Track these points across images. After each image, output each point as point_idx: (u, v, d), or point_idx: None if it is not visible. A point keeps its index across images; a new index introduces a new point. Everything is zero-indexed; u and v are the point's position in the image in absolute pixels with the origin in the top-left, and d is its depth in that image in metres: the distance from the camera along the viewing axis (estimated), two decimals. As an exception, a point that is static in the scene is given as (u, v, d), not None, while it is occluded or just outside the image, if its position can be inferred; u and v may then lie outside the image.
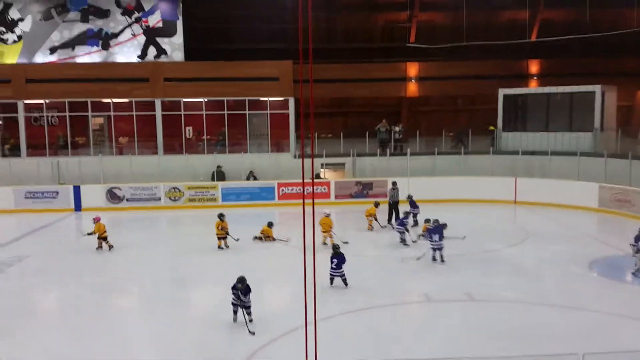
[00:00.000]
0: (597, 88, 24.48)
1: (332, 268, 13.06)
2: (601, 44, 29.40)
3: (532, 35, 30.68)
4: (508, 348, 9.67)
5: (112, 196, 24.11)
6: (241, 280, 10.93)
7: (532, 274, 14.54)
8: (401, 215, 18.01)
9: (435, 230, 15.08)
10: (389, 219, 19.94)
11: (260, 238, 17.87)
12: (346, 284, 13.06)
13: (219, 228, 17.00)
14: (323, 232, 16.69)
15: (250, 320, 10.85)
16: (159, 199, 24.14)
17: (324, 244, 16.41)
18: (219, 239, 17.04)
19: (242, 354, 9.70)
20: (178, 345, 10.36)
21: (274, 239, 17.76)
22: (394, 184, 21.12)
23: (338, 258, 13.07)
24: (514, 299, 12.50)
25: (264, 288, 13.90)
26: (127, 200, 24.10)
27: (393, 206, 20.25)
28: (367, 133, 26.62)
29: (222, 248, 16.98)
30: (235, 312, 11.08)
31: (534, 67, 30.60)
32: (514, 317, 11.52)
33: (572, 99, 25.27)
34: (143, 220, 22.49)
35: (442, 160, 25.12)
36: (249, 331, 10.52)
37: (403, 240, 16.93)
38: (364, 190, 24.44)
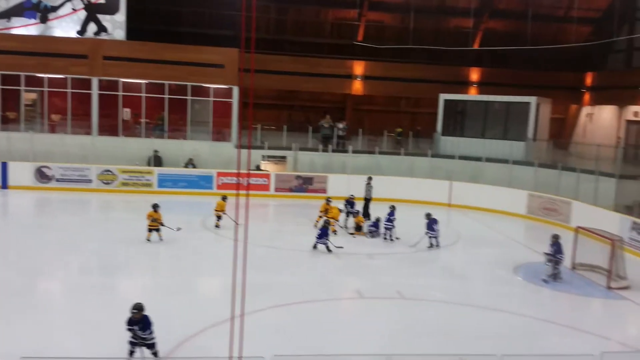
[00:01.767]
0: (532, 99, 25.38)
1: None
2: (540, 57, 30.62)
3: (474, 44, 31.53)
4: (433, 346, 9.90)
5: (42, 175, 23.13)
6: (138, 308, 8.74)
7: (461, 275, 14.97)
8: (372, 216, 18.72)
9: (433, 221, 16.96)
10: (365, 214, 20.05)
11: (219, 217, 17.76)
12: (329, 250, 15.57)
13: (151, 219, 16.03)
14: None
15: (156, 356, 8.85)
16: (91, 181, 23.33)
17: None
18: (149, 230, 16.04)
19: (170, 344, 9.50)
20: (103, 332, 10.03)
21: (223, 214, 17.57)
22: (369, 179, 21.30)
23: (322, 230, 15.72)
24: (442, 298, 12.83)
25: (196, 279, 13.71)
26: (57, 180, 23.17)
27: (365, 202, 20.42)
28: (310, 128, 26.62)
29: (149, 241, 15.96)
30: (131, 353, 8.73)
31: (475, 74, 31.43)
32: (440, 316, 11.82)
33: (509, 108, 26.12)
34: (73, 202, 21.69)
35: (383, 160, 25.44)
36: None
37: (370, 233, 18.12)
38: (304, 184, 24.45)
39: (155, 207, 16.23)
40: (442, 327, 11.15)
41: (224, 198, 17.92)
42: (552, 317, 12.03)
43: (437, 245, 17.12)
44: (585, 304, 13.37)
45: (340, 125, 27.38)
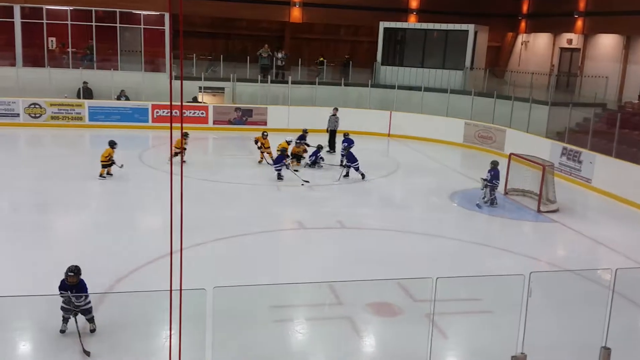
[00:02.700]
0: (470, 27, 25.49)
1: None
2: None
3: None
4: (373, 272, 10.17)
5: (-38, 110, 21.77)
6: (73, 270, 7.59)
7: (399, 204, 15.33)
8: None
9: (351, 155, 16.97)
10: (330, 146, 20.17)
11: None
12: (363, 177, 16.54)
13: (106, 156, 15.41)
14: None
15: (93, 330, 7.75)
16: (18, 115, 22.14)
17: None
18: (104, 166, 15.47)
19: (109, 279, 9.37)
20: (41, 271, 9.76)
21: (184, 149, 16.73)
22: (335, 109, 21.08)
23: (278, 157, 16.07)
24: (381, 226, 13.13)
25: (134, 215, 13.46)
26: (-19, 115, 21.90)
27: (331, 134, 20.25)
28: (248, 58, 25.92)
29: (104, 177, 15.47)
30: (65, 320, 7.66)
31: (414, 1, 31.09)
32: (379, 244, 12.12)
33: (447, 36, 26.17)
34: (0, 138, 20.65)
35: (323, 91, 25.19)
36: (84, 350, 7.31)
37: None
38: (243, 116, 24.04)
39: (112, 144, 15.54)
40: (380, 254, 11.45)
41: (185, 135, 16.74)
42: (486, 240, 12.57)
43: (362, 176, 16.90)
44: (517, 227, 13.99)
45: (280, 55, 26.81)
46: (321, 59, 27.96)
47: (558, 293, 9.25)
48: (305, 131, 19.12)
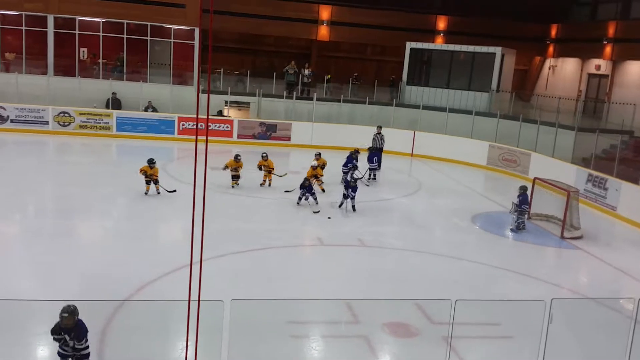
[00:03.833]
0: (497, 50, 25.42)
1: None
2: (506, 6, 30.43)
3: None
4: (390, 291, 10.10)
5: (-5, 116, 22.31)
6: (69, 311, 6.48)
7: (420, 224, 15.23)
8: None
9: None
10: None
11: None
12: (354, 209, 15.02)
13: (145, 174, 15.00)
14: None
15: None
16: (47, 122, 22.60)
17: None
18: (147, 182, 15.06)
19: (130, 289, 9.46)
20: (62, 276, 9.91)
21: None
22: (379, 127, 21.23)
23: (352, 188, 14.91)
24: (401, 246, 13.06)
25: (156, 225, 13.59)
26: (12, 121, 22.38)
27: (377, 152, 20.26)
28: (274, 74, 26.18)
29: (147, 194, 15.04)
30: None
31: (441, 23, 31.18)
32: (398, 263, 12.06)
33: (474, 58, 26.13)
34: (29, 144, 21.05)
35: (347, 108, 25.29)
36: None
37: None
38: (267, 131, 24.21)
39: (151, 162, 15.06)
40: (399, 273, 11.38)
41: (237, 158, 16.50)
42: (507, 264, 12.40)
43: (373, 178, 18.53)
44: (540, 252, 13.80)
45: (306, 72, 27.00)
46: (329, 76, 27.85)
47: (579, 321, 9.07)
48: (357, 151, 18.56)
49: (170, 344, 7.99)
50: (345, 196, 15.13)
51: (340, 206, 15.26)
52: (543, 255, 13.73)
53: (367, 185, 18.08)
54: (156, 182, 15.16)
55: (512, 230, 14.65)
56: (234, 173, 16.58)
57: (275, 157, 18.68)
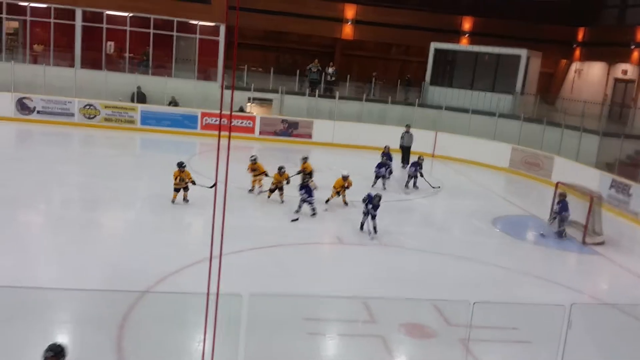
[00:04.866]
0: (523, 52, 25.16)
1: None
2: (533, 8, 30.10)
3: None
4: (408, 291, 10.08)
5: (22, 107, 22.68)
6: (53, 349, 5.51)
7: (439, 225, 15.16)
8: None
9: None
10: (404, 161, 20.63)
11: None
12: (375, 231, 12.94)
13: (177, 179, 13.90)
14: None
15: None
16: (73, 114, 22.94)
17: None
18: (176, 190, 14.01)
19: (149, 281, 9.58)
20: (84, 266, 10.07)
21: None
22: (408, 126, 21.49)
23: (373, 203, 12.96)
24: (420, 247, 13.02)
25: (177, 218, 13.71)
26: (39, 112, 22.76)
27: (405, 150, 20.62)
28: (298, 72, 26.23)
29: (174, 202, 14.00)
30: None
31: (467, 24, 30.95)
32: (416, 264, 12.02)
33: (499, 60, 25.89)
34: (55, 135, 21.40)
35: (370, 107, 25.25)
36: None
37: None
38: (289, 129, 24.28)
39: (181, 165, 13.99)
40: (417, 274, 11.35)
41: (281, 170, 15.19)
42: (527, 268, 12.30)
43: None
44: (560, 257, 13.65)
45: (330, 70, 27.00)
46: (375, 74, 28.02)
47: (599, 327, 8.98)
48: (421, 159, 18.28)
49: (189, 335, 8.09)
50: (365, 214, 13.25)
51: (362, 228, 13.39)
52: (564, 260, 13.59)
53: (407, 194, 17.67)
54: (186, 189, 14.07)
55: (542, 235, 14.44)
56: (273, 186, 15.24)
57: (296, 154, 18.75)
